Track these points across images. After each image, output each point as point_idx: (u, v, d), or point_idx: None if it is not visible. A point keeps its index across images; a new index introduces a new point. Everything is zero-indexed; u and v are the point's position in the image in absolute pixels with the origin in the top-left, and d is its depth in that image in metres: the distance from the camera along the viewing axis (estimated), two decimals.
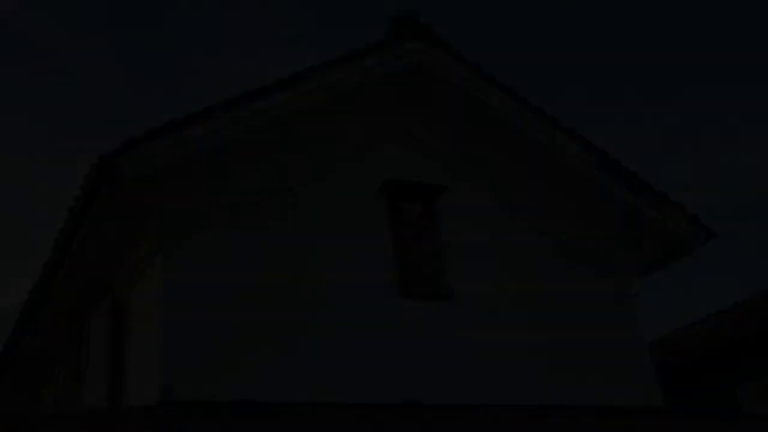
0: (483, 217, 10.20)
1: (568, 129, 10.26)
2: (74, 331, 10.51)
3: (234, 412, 7.14)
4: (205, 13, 38.68)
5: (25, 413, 12.27)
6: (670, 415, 9.60)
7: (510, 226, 10.34)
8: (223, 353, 8.04)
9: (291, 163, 9.33)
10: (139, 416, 6.67)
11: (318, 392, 8.01)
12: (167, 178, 8.22)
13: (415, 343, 8.94)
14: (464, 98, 10.09)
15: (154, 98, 41.69)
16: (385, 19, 10.15)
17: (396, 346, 8.79)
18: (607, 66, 37.89)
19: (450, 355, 9.01)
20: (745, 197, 38.36)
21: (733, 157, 37.37)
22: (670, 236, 10.53)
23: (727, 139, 37.35)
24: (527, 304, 9.91)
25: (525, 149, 10.31)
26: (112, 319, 9.38)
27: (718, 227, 10.50)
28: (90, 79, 38.45)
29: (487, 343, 9.28)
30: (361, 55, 9.57)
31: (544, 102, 10.19)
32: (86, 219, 8.51)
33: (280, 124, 9.03)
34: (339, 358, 8.45)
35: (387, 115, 10.17)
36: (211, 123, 8.36)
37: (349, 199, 9.60)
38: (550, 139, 10.18)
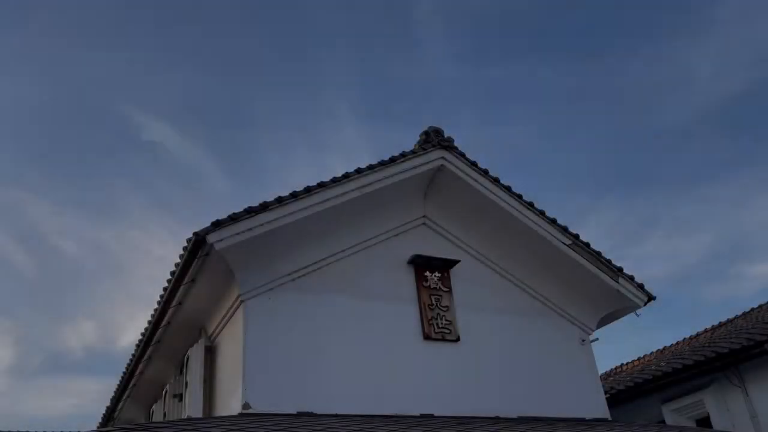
0: (484, 283, 10.27)
1: (551, 219, 10.31)
2: (177, 362, 10.54)
3: (295, 421, 7.12)
4: (279, 124, 39.15)
5: (141, 424, 12.25)
6: (615, 425, 9.57)
7: (503, 289, 10.41)
8: (288, 379, 8.10)
9: (340, 241, 9.27)
10: (226, 424, 6.62)
11: (359, 406, 8.19)
12: (245, 250, 8.18)
13: (432, 373, 9.09)
14: (473, 193, 10.07)
15: (238, 189, 42.32)
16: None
17: (418, 375, 8.96)
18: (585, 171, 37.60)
19: (456, 382, 9.16)
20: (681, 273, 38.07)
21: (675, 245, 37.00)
22: (622, 298, 10.65)
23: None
24: (515, 345, 9.99)
25: (518, 232, 10.29)
26: (205, 353, 9.38)
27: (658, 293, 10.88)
28: (192, 176, 38.93)
29: (485, 374, 9.46)
30: (398, 160, 9.58)
31: (535, 198, 10.29)
32: (185, 280, 8.56)
33: (336, 212, 8.98)
34: (376, 383, 8.57)
35: (414, 205, 10.13)
36: (280, 210, 8.36)
37: (386, 268, 9.59)
38: (536, 226, 10.20)
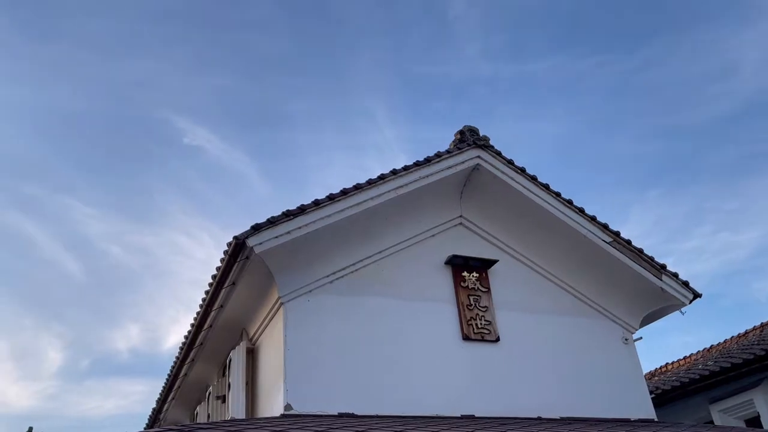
0: (523, 282, 10.32)
1: (591, 216, 10.28)
2: (219, 364, 10.78)
3: (336, 422, 7.21)
4: (318, 126, 39.39)
5: (187, 425, 12.56)
6: (661, 426, 9.47)
7: (543, 288, 10.45)
8: (328, 380, 8.22)
9: (377, 242, 9.39)
10: (268, 425, 6.77)
11: (399, 407, 8.30)
12: (284, 253, 8.33)
13: (472, 374, 9.15)
14: (510, 192, 10.12)
15: (278, 191, 42.69)
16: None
17: (457, 376, 9.03)
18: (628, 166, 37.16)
19: (497, 383, 9.21)
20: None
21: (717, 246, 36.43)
22: (666, 296, 10.58)
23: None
24: (556, 345, 10.02)
25: (556, 231, 10.30)
26: (247, 355, 9.57)
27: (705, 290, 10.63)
28: (233, 179, 39.41)
29: (526, 374, 9.51)
30: (433, 161, 9.64)
31: (576, 194, 10.29)
32: (226, 283, 8.73)
33: (372, 213, 9.09)
34: (416, 384, 8.67)
35: (451, 205, 10.22)
36: (317, 212, 8.48)
37: (423, 269, 9.69)
38: (575, 224, 10.19)
